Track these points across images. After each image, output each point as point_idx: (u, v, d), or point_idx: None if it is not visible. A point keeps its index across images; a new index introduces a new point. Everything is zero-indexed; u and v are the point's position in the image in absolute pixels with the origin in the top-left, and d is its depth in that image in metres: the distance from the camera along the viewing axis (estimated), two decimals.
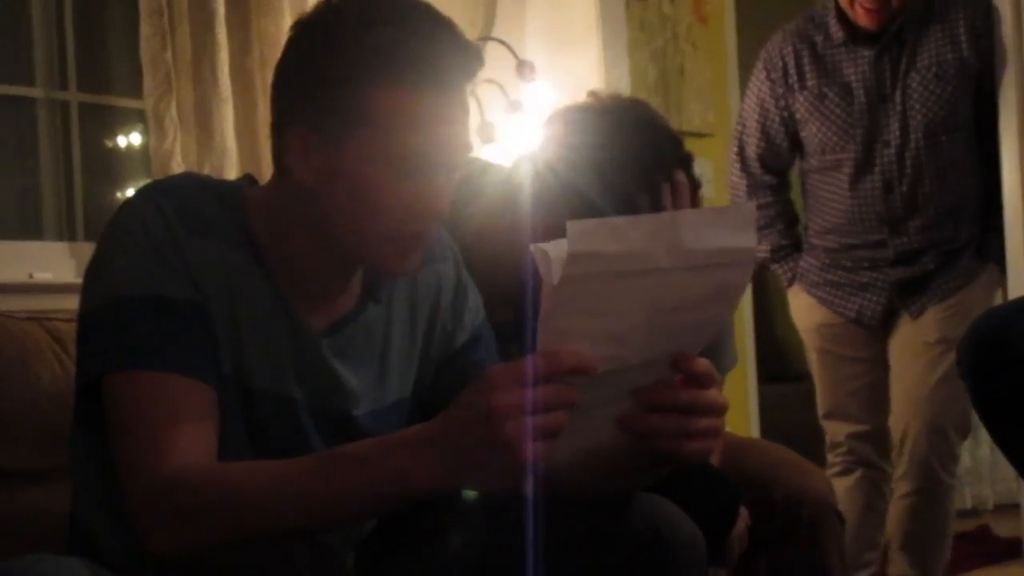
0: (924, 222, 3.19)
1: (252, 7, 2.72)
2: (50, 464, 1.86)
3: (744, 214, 1.25)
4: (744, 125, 3.35)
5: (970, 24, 3.16)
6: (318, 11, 1.46)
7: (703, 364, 1.28)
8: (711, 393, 1.29)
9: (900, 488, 3.27)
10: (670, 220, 1.22)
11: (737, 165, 3.38)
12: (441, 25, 1.43)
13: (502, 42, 3.36)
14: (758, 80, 3.32)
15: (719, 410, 1.30)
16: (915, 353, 3.24)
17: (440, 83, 1.40)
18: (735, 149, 3.39)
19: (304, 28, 1.46)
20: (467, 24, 3.21)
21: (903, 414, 3.25)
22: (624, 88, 3.52)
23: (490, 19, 3.43)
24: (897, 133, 3.15)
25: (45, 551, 1.29)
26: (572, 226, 1.15)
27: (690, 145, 2.06)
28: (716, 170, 4.15)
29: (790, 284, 3.37)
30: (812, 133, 3.24)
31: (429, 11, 1.44)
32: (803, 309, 3.37)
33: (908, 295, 3.23)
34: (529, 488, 1.23)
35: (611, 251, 1.17)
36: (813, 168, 3.29)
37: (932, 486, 3.23)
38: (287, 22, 2.58)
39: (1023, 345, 2.18)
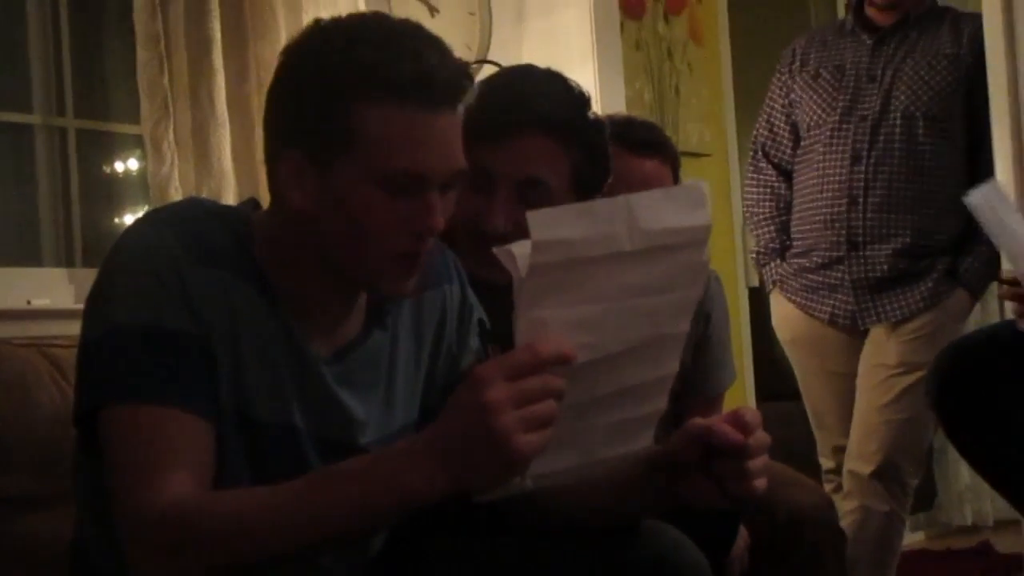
0: (884, 201, 3.14)
1: (248, 32, 2.73)
2: (49, 490, 1.86)
3: (695, 192, 1.26)
4: (760, 118, 3.43)
5: (973, 34, 3.22)
6: (306, 33, 1.46)
7: (750, 413, 1.39)
8: (760, 434, 1.40)
9: (845, 506, 3.15)
10: (625, 202, 1.22)
11: (749, 156, 3.44)
12: (428, 44, 1.42)
13: (498, 65, 3.36)
14: (774, 75, 3.41)
15: (767, 448, 1.40)
16: (873, 377, 3.19)
17: (426, 101, 1.39)
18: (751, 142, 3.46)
19: (292, 51, 1.46)
20: (463, 48, 3.22)
21: (856, 443, 3.19)
22: (620, 109, 3.52)
23: (486, 42, 3.43)
24: (877, 109, 3.18)
25: None
26: (533, 216, 1.16)
27: (687, 165, 2.07)
28: (714, 191, 4.15)
29: (771, 289, 3.35)
30: (803, 112, 3.29)
31: (417, 31, 1.44)
32: (782, 315, 3.35)
33: (867, 297, 3.17)
34: (528, 482, 1.23)
35: (575, 236, 1.18)
36: (798, 158, 3.31)
37: (875, 507, 3.14)
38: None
39: (990, 374, 2.18)
